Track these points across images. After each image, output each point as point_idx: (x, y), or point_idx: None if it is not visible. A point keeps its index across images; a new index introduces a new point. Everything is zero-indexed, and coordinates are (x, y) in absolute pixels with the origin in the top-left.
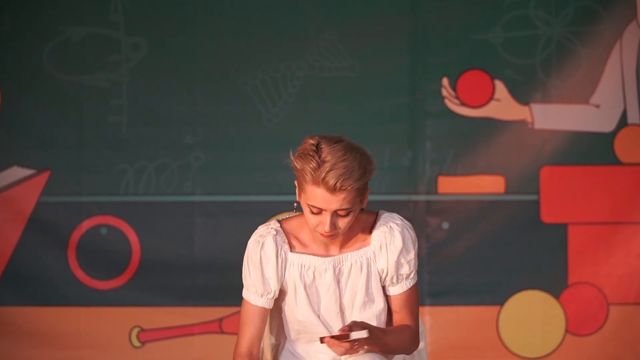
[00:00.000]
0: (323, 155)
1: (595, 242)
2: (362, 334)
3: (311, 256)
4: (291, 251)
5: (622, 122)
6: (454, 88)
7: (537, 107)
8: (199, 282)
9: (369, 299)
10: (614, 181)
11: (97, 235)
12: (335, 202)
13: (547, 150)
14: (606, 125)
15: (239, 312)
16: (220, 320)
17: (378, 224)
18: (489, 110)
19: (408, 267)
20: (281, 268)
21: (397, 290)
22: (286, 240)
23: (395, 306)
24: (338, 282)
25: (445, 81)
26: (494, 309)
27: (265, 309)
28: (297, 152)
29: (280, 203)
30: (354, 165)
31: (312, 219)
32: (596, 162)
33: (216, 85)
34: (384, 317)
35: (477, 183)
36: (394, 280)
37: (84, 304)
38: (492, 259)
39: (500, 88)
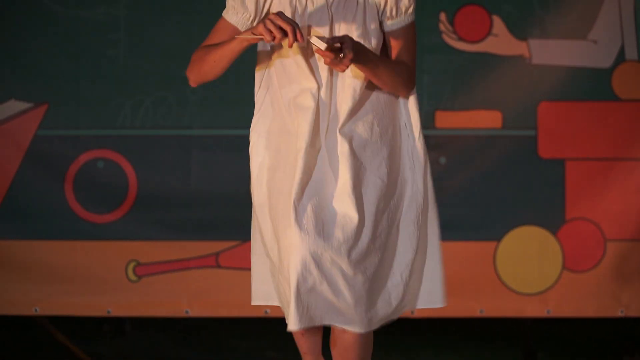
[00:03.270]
0: None
1: (593, 178)
2: (321, 44)
3: None
4: None
5: (620, 58)
6: (451, 23)
7: (534, 43)
8: (195, 216)
9: (365, 31)
10: (612, 117)
11: (94, 168)
12: None
13: (545, 85)
14: (604, 61)
15: (235, 247)
16: (217, 254)
17: None
18: (487, 45)
19: (408, 0)
20: None
21: (395, 24)
22: None
23: (392, 42)
24: (330, 12)
25: (442, 16)
26: (491, 245)
27: (237, 29)
28: None
29: None
30: None
31: None
32: (594, 97)
33: (214, 17)
34: (376, 50)
35: (475, 118)
36: (393, 12)
37: (81, 237)
38: (490, 194)
39: (498, 23)
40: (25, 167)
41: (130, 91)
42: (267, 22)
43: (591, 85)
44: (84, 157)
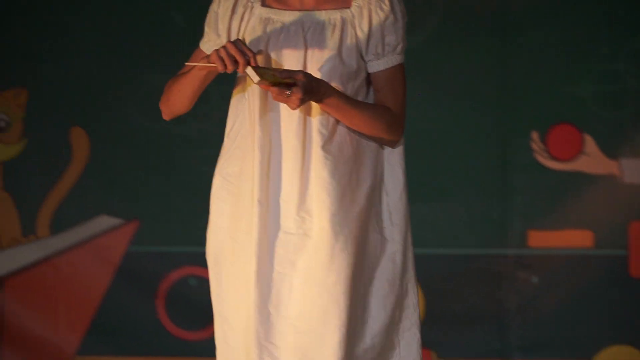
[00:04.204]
0: None
1: None
2: (254, 76)
3: (281, 10)
4: (262, 5)
5: None
6: (543, 141)
7: (626, 162)
8: None
9: (340, 62)
10: None
11: (185, 285)
12: None
13: (636, 205)
14: None
15: None
16: None
17: None
18: (578, 164)
19: (395, 37)
20: (241, 20)
21: (381, 65)
22: None
23: (377, 84)
24: (305, 39)
25: (535, 135)
26: None
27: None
28: None
29: None
30: None
31: None
32: None
33: None
34: (352, 87)
35: (567, 237)
36: (379, 50)
37: (172, 354)
38: (581, 314)
39: (589, 142)
40: (116, 283)
41: None
42: (221, 50)
43: None
44: (175, 274)
